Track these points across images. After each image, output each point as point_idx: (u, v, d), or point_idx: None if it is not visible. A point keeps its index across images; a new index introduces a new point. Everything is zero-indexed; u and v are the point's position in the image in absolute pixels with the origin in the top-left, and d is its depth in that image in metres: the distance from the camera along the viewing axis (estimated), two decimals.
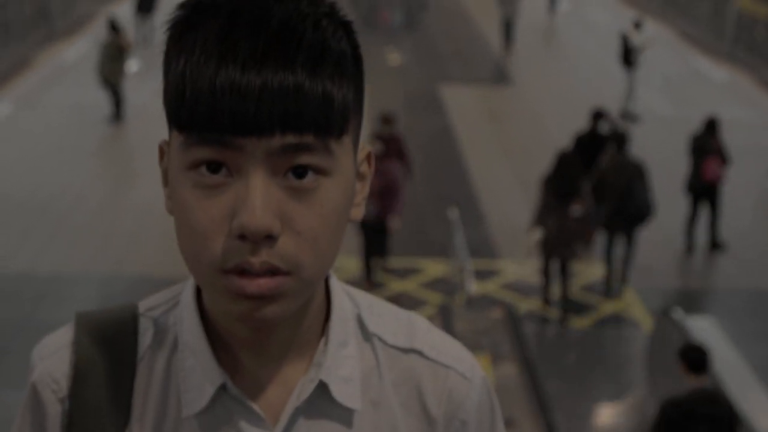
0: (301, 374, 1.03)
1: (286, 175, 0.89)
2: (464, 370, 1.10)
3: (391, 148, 8.69)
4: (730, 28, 18.48)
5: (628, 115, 13.95)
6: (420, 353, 1.09)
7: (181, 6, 0.93)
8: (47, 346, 1.08)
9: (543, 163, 11.52)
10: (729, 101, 15.23)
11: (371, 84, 10.11)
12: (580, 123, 11.34)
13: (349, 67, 0.93)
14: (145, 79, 14.24)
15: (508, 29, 18.55)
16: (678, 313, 6.63)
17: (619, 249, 8.79)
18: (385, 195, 7.91)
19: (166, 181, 0.98)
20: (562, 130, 13.28)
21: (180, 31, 0.91)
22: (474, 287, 7.71)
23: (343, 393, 1.03)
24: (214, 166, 0.89)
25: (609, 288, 8.81)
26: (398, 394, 1.08)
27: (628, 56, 13.96)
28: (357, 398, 1.04)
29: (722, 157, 9.38)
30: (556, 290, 8.36)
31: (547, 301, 8.43)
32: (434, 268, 9.21)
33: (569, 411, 6.73)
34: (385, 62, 17.54)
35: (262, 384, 1.03)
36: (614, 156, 8.68)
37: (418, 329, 1.11)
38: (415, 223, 10.25)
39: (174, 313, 1.06)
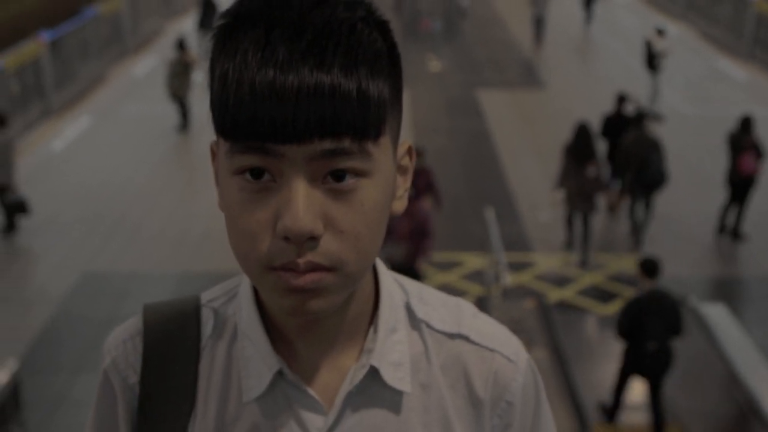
0: (354, 360, 1.04)
1: (326, 178, 0.89)
2: (509, 354, 1.09)
3: (420, 181, 8.33)
4: (750, 29, 18.43)
5: (653, 115, 14.08)
6: (466, 338, 1.08)
7: (224, 15, 0.93)
8: (117, 336, 1.09)
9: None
10: (749, 100, 15.27)
11: (414, 89, 10.72)
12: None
13: (385, 66, 0.92)
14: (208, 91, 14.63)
15: (539, 26, 19.37)
16: (693, 301, 6.86)
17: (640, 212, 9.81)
18: (414, 236, 7.26)
19: (218, 180, 0.99)
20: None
21: (222, 40, 0.91)
22: (509, 279, 8.00)
23: (393, 377, 1.03)
24: (257, 172, 0.89)
25: (637, 240, 9.83)
26: (446, 377, 1.07)
27: (652, 61, 14.08)
28: (407, 382, 1.04)
29: (758, 152, 9.60)
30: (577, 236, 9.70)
31: (569, 243, 9.72)
32: (473, 261, 9.50)
33: (593, 391, 6.98)
34: (427, 68, 17.79)
35: (317, 370, 1.04)
36: (635, 132, 9.56)
37: (465, 315, 1.11)
38: (455, 219, 10.55)
39: (233, 303, 1.08)
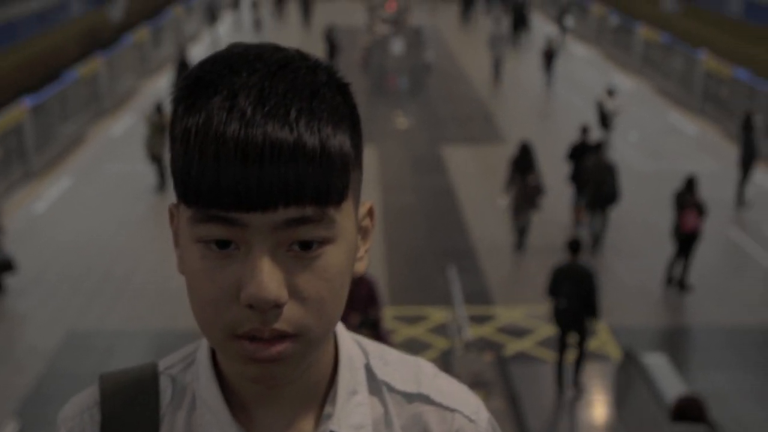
0: (313, 425, 1.03)
1: (291, 245, 0.89)
2: (470, 413, 1.09)
3: (360, 292, 7.24)
4: (699, 85, 19.42)
5: None
6: (427, 398, 1.08)
7: (185, 78, 0.92)
8: (74, 407, 1.07)
9: (534, 217, 12.46)
10: (700, 154, 16.14)
11: (382, 146, 11.60)
12: (563, 173, 12.31)
13: (348, 127, 0.92)
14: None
15: (497, 67, 22.03)
16: (636, 351, 7.51)
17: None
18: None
19: (177, 242, 0.98)
20: (549, 182, 14.27)
21: (185, 103, 0.90)
22: (469, 333, 8.60)
23: None
24: (221, 243, 0.89)
25: (594, 246, 11.71)
26: None
27: (604, 120, 14.86)
28: None
29: (700, 210, 10.32)
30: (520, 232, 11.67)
31: (519, 245, 11.82)
32: (438, 315, 10.10)
33: None
34: (394, 125, 18.49)
35: None
36: (594, 158, 11.71)
37: (425, 374, 1.10)
38: (420, 274, 11.17)
39: (191, 370, 1.07)
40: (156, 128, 13.74)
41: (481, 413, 1.10)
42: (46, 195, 13.86)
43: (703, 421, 6.03)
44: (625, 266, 11.33)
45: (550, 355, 9.28)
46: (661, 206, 12.92)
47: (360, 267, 1.00)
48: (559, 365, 8.56)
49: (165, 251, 11.59)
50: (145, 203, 13.60)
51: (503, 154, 16.52)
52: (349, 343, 1.08)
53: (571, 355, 8.65)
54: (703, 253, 11.18)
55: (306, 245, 0.89)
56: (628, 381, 7.49)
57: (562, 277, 8.24)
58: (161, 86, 20.94)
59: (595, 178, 11.45)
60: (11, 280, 10.47)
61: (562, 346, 8.48)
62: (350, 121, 0.93)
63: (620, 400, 7.74)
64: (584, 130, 12.67)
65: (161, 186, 14.00)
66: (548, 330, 9.85)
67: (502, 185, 12.26)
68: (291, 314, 0.90)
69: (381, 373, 1.08)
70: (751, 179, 13.65)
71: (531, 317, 10.12)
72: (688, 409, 6.02)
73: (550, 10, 33.79)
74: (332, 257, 0.91)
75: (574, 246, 8.33)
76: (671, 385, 6.74)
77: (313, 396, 1.03)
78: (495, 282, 11.00)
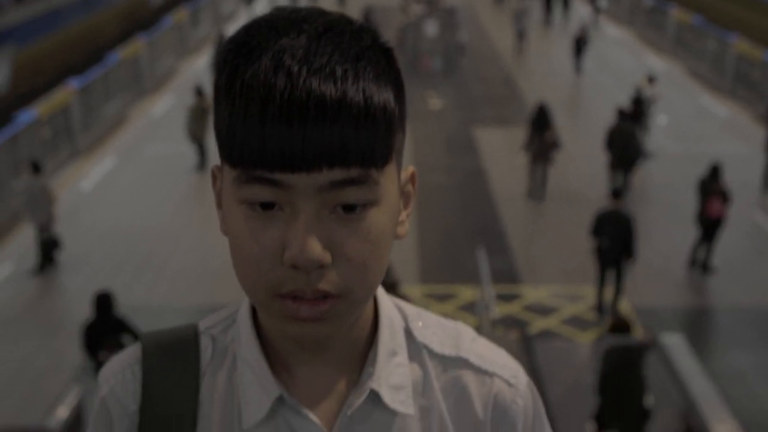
0: (353, 384, 1.03)
1: (334, 208, 0.89)
2: (509, 377, 1.09)
3: None
4: (731, 68, 19.46)
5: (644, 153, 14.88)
6: (466, 361, 1.08)
7: (230, 42, 0.92)
8: (116, 365, 1.08)
9: (562, 200, 12.75)
10: (730, 137, 16.27)
11: (415, 127, 12.17)
12: (598, 158, 12.57)
13: (392, 91, 0.92)
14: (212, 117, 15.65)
15: (521, 39, 23.99)
16: (654, 331, 7.83)
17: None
18: None
19: (219, 203, 0.98)
20: (581, 168, 14.49)
21: (228, 70, 0.90)
22: (497, 311, 8.94)
23: (395, 400, 1.02)
24: (266, 204, 0.89)
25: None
26: (447, 400, 1.06)
27: (641, 106, 14.82)
28: (409, 404, 1.03)
29: (724, 197, 10.56)
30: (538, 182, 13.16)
31: (532, 191, 13.17)
32: (467, 293, 10.45)
33: (568, 418, 7.91)
34: (427, 106, 18.81)
35: (316, 395, 1.03)
36: (617, 123, 12.93)
37: (464, 338, 1.10)
38: (450, 253, 11.53)
39: (231, 330, 1.07)
40: (196, 111, 14.15)
41: (520, 377, 1.10)
42: (92, 174, 14.38)
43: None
44: (650, 247, 11.58)
45: (574, 333, 9.61)
46: (690, 188, 13.08)
47: (401, 231, 1.01)
48: (599, 296, 9.84)
49: (205, 230, 12.05)
50: (186, 183, 14.05)
51: None
52: (389, 305, 1.08)
53: (609, 292, 9.92)
54: (728, 235, 11.39)
55: (350, 208, 0.90)
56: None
57: (604, 220, 9.39)
58: (200, 66, 21.40)
59: (618, 142, 12.64)
60: (62, 256, 10.98)
61: (602, 281, 9.76)
62: (394, 84, 0.94)
63: None
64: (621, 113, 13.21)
65: (201, 166, 14.43)
66: (572, 309, 10.17)
67: (521, 143, 13.63)
68: (334, 275, 0.90)
69: (420, 336, 1.08)
70: None
71: (556, 296, 10.45)
72: (620, 325, 6.96)
73: None
74: (375, 220, 0.92)
75: (616, 193, 9.55)
76: (686, 363, 7.06)
77: (353, 356, 1.04)
78: (522, 262, 11.32)
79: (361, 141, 0.88)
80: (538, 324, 9.81)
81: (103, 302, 7.50)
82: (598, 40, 24.72)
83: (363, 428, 1.02)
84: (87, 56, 19.31)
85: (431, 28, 23.10)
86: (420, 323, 1.10)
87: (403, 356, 1.05)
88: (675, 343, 7.36)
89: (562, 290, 10.57)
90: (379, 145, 0.90)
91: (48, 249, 10.75)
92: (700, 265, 10.98)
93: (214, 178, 1.00)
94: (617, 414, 6.71)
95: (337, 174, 0.87)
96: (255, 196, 0.89)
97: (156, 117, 17.74)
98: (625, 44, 25.39)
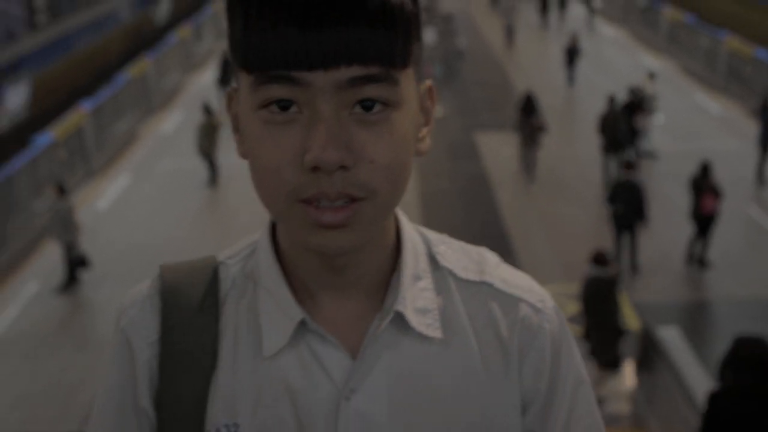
0: (378, 308, 1.01)
1: (354, 107, 0.88)
2: (535, 301, 1.07)
3: None
4: (723, 65, 19.87)
5: (646, 154, 15.19)
6: (491, 286, 1.06)
7: None
8: (135, 296, 1.06)
9: (564, 201, 13.18)
10: (723, 133, 16.67)
11: None
12: (597, 160, 12.98)
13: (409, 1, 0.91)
14: (233, 144, 16.06)
15: (510, 33, 25.72)
16: (651, 324, 8.26)
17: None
18: None
19: (236, 127, 0.97)
20: (581, 170, 14.92)
21: None
22: None
23: (421, 323, 1.00)
24: (284, 104, 0.88)
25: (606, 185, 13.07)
26: (473, 325, 1.04)
27: (641, 104, 15.19)
28: (436, 328, 1.01)
29: (716, 193, 10.99)
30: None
31: (523, 164, 14.63)
32: None
33: None
34: None
35: (340, 319, 1.01)
36: (608, 109, 13.82)
37: (488, 264, 1.08)
38: None
39: (251, 260, 1.05)
40: (206, 129, 14.54)
41: (546, 302, 1.09)
42: (108, 193, 14.84)
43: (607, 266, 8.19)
44: (648, 242, 11.99)
45: (577, 331, 10.03)
46: (685, 184, 13.50)
47: (423, 147, 0.99)
48: (617, 255, 10.86)
49: (219, 243, 12.46)
50: (199, 198, 14.47)
51: None
52: (411, 231, 1.06)
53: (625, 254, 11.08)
54: (723, 230, 11.78)
55: (369, 106, 0.88)
56: (646, 352, 8.24)
57: (619, 188, 10.60)
58: (205, 80, 21.85)
59: (610, 127, 13.65)
60: (85, 274, 11.45)
61: (619, 244, 10.99)
62: None
63: (640, 369, 8.49)
64: (611, 100, 14.01)
65: (212, 181, 14.86)
66: (574, 309, 10.60)
67: (512, 127, 15.20)
68: (357, 176, 0.88)
69: (444, 261, 1.07)
70: None
71: (560, 295, 10.86)
72: (599, 257, 8.09)
73: None
74: (397, 122, 0.90)
75: (629, 164, 10.79)
76: (682, 356, 7.48)
77: (376, 281, 1.02)
78: (526, 263, 11.74)
79: (378, 39, 0.87)
80: None
81: None
82: (593, 40, 25.12)
83: (389, 353, 1.00)
84: (95, 76, 19.78)
85: (430, 35, 23.54)
86: (443, 248, 1.08)
87: (427, 281, 1.04)
88: (671, 335, 7.77)
89: (566, 289, 11.01)
90: (398, 45, 0.89)
91: (74, 267, 11.22)
92: (697, 259, 11.41)
93: (230, 100, 0.99)
94: (596, 331, 8.26)
95: (356, 71, 0.87)
96: (272, 94, 0.88)
97: (166, 133, 18.18)
98: (619, 43, 25.79)
